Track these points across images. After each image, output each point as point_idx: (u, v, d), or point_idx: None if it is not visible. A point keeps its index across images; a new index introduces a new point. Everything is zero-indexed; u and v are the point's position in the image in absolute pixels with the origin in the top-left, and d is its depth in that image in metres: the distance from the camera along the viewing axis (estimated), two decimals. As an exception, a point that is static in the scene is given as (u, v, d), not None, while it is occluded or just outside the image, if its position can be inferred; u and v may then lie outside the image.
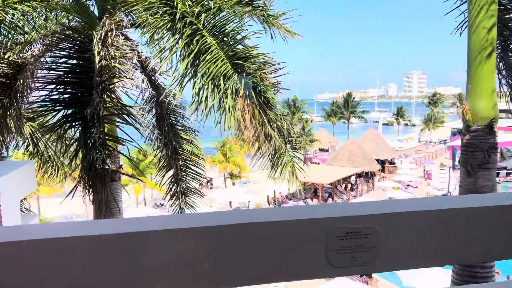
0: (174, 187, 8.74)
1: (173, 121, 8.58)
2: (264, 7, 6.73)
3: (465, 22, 6.83)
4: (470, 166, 5.03)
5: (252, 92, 4.99)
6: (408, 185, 36.34)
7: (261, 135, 5.69)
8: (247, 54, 5.38)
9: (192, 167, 8.82)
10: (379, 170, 38.86)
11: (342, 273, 1.10)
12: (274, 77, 5.82)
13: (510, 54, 6.76)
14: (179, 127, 8.69)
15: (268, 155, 6.62)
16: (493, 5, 4.88)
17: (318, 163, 39.56)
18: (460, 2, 6.77)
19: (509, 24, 6.52)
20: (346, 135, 58.26)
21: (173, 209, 8.93)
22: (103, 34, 5.08)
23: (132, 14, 6.20)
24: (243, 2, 6.08)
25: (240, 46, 5.53)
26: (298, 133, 6.85)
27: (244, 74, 5.07)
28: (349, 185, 34.83)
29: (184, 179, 8.79)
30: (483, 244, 1.19)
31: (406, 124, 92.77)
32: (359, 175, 35.52)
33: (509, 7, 6.44)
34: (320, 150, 44.84)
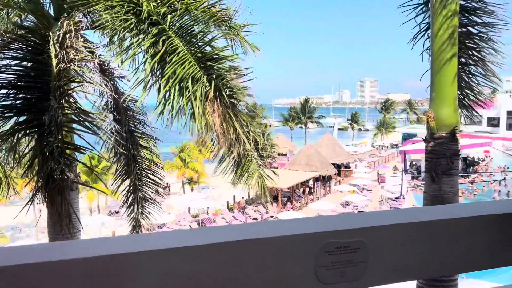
0: (131, 197, 8.41)
1: (132, 128, 8.25)
2: (228, 18, 6.61)
3: (420, 33, 7.10)
4: (435, 172, 5.16)
5: (225, 95, 4.86)
6: (363, 188, 37.53)
7: (229, 140, 5.56)
8: (216, 56, 5.24)
9: (150, 176, 8.53)
10: (335, 174, 39.85)
11: None
12: (240, 82, 5.73)
13: (460, 66, 7.06)
14: (138, 134, 8.37)
15: (234, 162, 6.49)
16: (455, 17, 5.04)
17: (277, 168, 39.90)
18: (416, 13, 7.03)
19: (460, 38, 6.81)
20: (304, 139, 59.35)
21: (129, 220, 8.62)
22: (61, 35, 4.75)
23: (91, 14, 5.88)
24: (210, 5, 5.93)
25: (208, 48, 5.38)
26: (264, 140, 6.80)
27: (214, 76, 4.93)
28: (307, 189, 35.40)
29: (141, 188, 8.48)
30: (471, 253, 1.19)
31: (360, 129, 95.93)
32: (316, 179, 36.22)
33: (465, 21, 6.73)
34: (279, 154, 45.32)
